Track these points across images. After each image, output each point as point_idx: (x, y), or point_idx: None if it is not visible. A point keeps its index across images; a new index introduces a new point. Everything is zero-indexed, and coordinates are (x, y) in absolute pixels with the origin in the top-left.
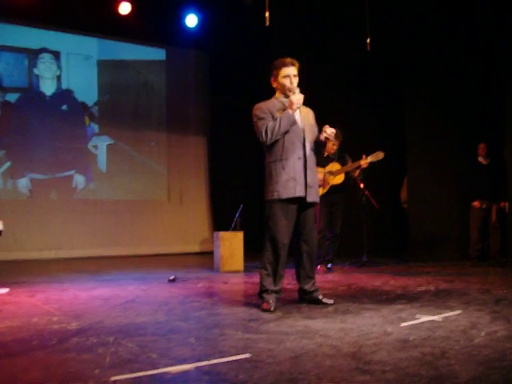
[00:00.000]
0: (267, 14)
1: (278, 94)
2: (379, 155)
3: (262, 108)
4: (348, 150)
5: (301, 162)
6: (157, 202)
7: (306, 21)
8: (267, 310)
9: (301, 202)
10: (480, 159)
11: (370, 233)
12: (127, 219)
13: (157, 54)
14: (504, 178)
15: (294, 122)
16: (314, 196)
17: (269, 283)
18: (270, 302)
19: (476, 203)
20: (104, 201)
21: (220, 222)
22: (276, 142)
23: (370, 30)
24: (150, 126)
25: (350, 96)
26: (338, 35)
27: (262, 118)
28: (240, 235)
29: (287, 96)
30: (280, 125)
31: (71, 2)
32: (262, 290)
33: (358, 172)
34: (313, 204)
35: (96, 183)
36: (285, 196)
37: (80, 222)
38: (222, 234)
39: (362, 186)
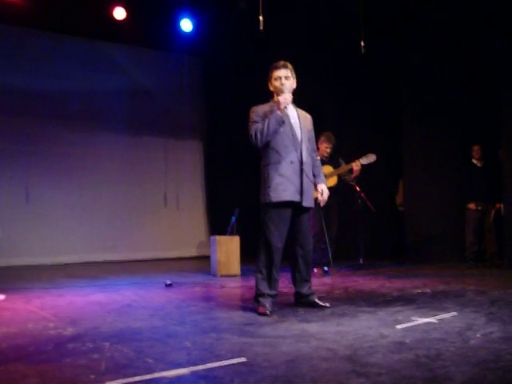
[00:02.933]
0: (261, 18)
1: (274, 97)
2: (371, 157)
3: (257, 111)
4: (343, 154)
5: (294, 167)
6: (153, 207)
7: (300, 24)
8: (263, 314)
9: (295, 207)
10: (474, 161)
11: (367, 236)
12: (124, 224)
13: (151, 58)
14: (499, 180)
15: (283, 122)
16: (309, 201)
17: (264, 287)
18: (266, 305)
19: (471, 205)
20: (101, 206)
21: (216, 226)
22: (269, 145)
23: (364, 32)
24: (146, 131)
25: (345, 99)
26: (333, 38)
27: (255, 122)
28: (236, 239)
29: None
30: (268, 126)
31: (66, 7)
32: (258, 294)
33: (352, 177)
34: (308, 209)
35: (93, 189)
36: (275, 200)
37: (77, 228)
38: (218, 238)
39: (357, 188)
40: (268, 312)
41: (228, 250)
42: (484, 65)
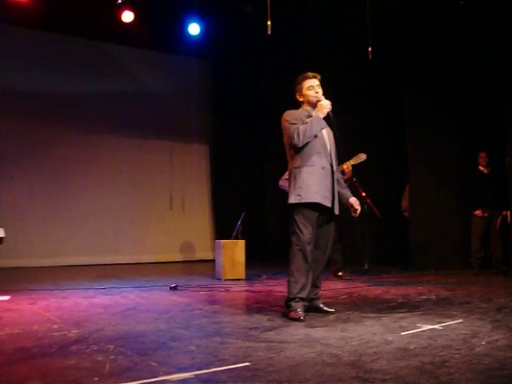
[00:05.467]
0: (269, 23)
1: (304, 107)
2: (361, 157)
3: (293, 114)
4: (348, 159)
5: (324, 172)
6: (159, 209)
7: (308, 29)
8: (296, 319)
9: (323, 211)
10: (481, 168)
11: (372, 241)
12: (129, 227)
13: (159, 61)
14: (505, 187)
15: (325, 125)
16: (337, 208)
17: (297, 291)
18: (298, 310)
19: (478, 212)
20: (106, 208)
21: (222, 230)
22: (303, 149)
23: (371, 38)
24: (153, 134)
25: (351, 104)
26: (340, 44)
27: (293, 124)
28: (241, 243)
29: (314, 106)
30: (311, 127)
31: (75, 10)
32: (290, 298)
33: (344, 179)
34: (335, 216)
35: (98, 191)
36: (305, 200)
37: (81, 230)
38: (223, 242)
39: (363, 194)
40: (301, 317)
41: (233, 253)
42: (490, 71)
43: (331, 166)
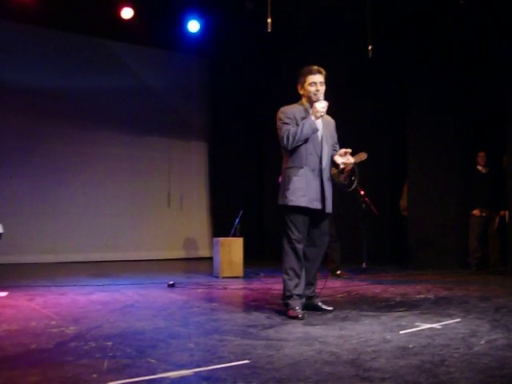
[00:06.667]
0: (269, 20)
1: (303, 101)
2: (362, 156)
3: (287, 112)
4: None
5: (314, 174)
6: (157, 207)
7: (308, 26)
8: (295, 317)
9: (315, 213)
10: (479, 168)
11: (370, 240)
12: (127, 224)
13: (158, 58)
14: (503, 187)
15: (317, 129)
16: (330, 207)
17: (293, 288)
18: (297, 308)
19: (476, 211)
20: (104, 205)
21: (220, 227)
22: (295, 149)
23: (371, 36)
24: (151, 131)
25: (351, 103)
26: (340, 42)
27: (285, 123)
28: (240, 241)
29: (313, 103)
30: (302, 131)
31: (74, 6)
32: (287, 296)
33: (343, 177)
34: (328, 214)
35: (96, 187)
36: (292, 203)
37: (79, 226)
38: (221, 239)
39: (362, 192)
40: (300, 315)
41: (231, 251)
42: (491, 70)
43: (322, 166)
